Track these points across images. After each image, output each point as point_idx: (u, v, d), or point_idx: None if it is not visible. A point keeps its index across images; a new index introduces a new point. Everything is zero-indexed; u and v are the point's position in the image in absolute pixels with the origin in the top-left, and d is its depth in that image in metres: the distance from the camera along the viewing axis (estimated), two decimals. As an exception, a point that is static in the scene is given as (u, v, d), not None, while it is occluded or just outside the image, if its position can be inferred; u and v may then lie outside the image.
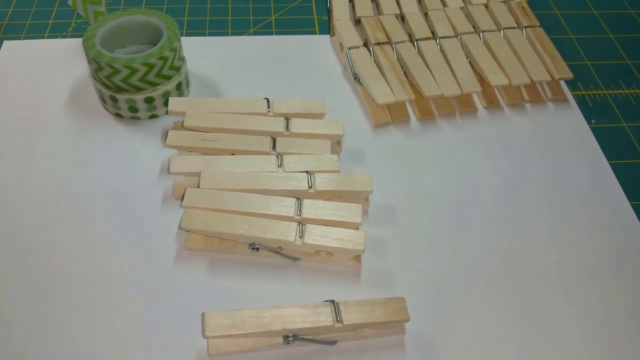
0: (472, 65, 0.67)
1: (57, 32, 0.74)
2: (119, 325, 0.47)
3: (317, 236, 0.49)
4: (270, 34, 0.75)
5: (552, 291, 0.51)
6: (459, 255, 0.53)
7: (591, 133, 0.64)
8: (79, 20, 0.75)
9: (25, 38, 0.72)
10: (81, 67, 0.68)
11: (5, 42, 0.71)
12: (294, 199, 0.51)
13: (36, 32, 0.73)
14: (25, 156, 0.58)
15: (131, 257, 0.51)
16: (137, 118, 0.62)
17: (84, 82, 0.66)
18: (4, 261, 0.50)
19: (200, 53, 0.70)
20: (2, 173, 0.57)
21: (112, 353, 0.45)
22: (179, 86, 0.62)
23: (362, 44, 0.68)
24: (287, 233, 0.49)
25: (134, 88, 0.59)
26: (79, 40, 0.71)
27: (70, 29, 0.74)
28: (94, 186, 0.56)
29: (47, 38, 0.73)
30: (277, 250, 0.50)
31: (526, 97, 0.67)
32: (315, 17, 0.77)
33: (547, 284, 0.51)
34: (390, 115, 0.64)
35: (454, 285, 0.51)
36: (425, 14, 0.73)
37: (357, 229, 0.51)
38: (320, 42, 0.73)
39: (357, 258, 0.51)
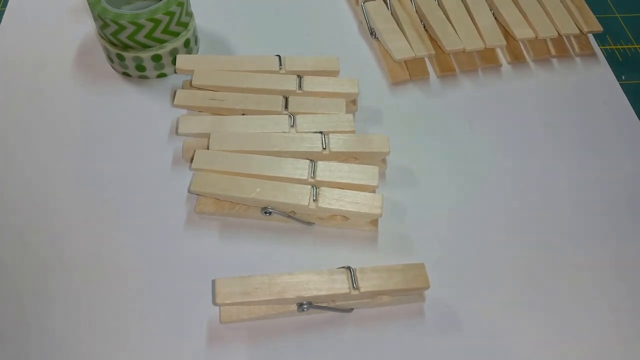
0: (495, 18, 0.64)
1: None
2: (128, 292, 0.46)
3: (331, 199, 0.47)
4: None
5: (578, 257, 0.49)
6: (481, 219, 0.51)
7: (621, 90, 0.62)
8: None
9: (30, -5, 0.70)
10: (88, 26, 0.66)
11: (10, 0, 0.69)
12: (308, 161, 0.50)
13: (41, -11, 0.71)
14: (31, 118, 0.57)
15: (140, 221, 0.50)
16: (145, 77, 0.60)
17: (91, 40, 0.64)
18: (12, 221, 0.50)
19: (209, 8, 0.68)
20: (9, 134, 0.56)
21: (121, 320, 0.45)
22: (187, 43, 0.60)
23: (379, -4, 0.65)
24: (301, 196, 0.47)
25: (140, 45, 0.57)
26: (84, -3, 0.69)
27: (77, -15, 0.72)
28: (102, 148, 0.55)
29: (52, -5, 0.71)
30: (290, 214, 0.49)
31: (553, 51, 0.64)
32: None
33: (573, 249, 0.49)
34: (409, 72, 0.62)
35: (475, 250, 0.49)
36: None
37: (373, 191, 0.49)
38: (334, -4, 0.71)
39: (374, 222, 0.50)
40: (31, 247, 0.48)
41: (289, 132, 0.52)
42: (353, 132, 0.53)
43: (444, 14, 0.64)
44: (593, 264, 0.48)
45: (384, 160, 0.53)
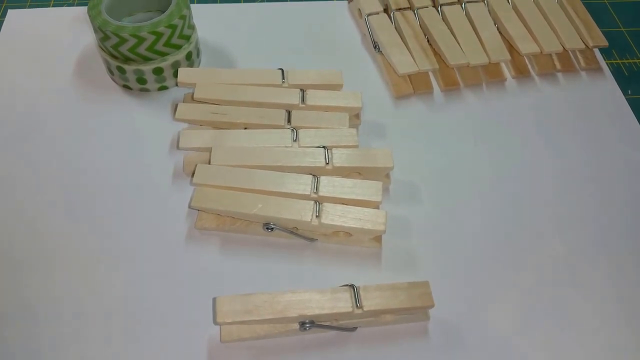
0: (500, 32, 0.64)
1: (64, 0, 0.71)
2: (126, 309, 0.45)
3: (334, 216, 0.47)
4: (285, 0, 0.72)
5: (588, 275, 0.48)
6: (487, 236, 0.50)
7: (627, 104, 0.61)
8: (86, -12, 0.73)
9: (30, 6, 0.70)
10: (88, 37, 0.65)
11: (9, 10, 0.69)
12: (310, 176, 0.49)
13: (41, 0, 0.71)
14: (30, 130, 0.57)
15: (140, 237, 0.49)
16: (146, 90, 0.60)
17: (91, 52, 0.64)
18: (10, 234, 0.49)
19: (212, 21, 0.68)
20: (8, 147, 0.55)
21: (119, 338, 0.44)
22: (189, 56, 0.59)
23: (382, 9, 0.65)
24: (303, 212, 0.46)
25: (142, 58, 0.56)
26: (85, 9, 0.69)
27: (77, -3, 0.72)
28: (102, 162, 0.54)
29: (52, 7, 0.70)
30: (293, 230, 0.48)
31: (558, 66, 0.64)
32: (333, -18, 0.74)
33: (582, 267, 0.48)
34: (412, 86, 0.61)
35: (481, 268, 0.48)
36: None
37: (377, 207, 0.49)
38: (337, 9, 0.71)
39: (378, 239, 0.49)
40: (28, 261, 0.47)
41: (291, 147, 0.51)
42: (356, 146, 0.52)
43: (448, 27, 0.63)
44: (603, 281, 0.48)
45: (387, 176, 0.53)
